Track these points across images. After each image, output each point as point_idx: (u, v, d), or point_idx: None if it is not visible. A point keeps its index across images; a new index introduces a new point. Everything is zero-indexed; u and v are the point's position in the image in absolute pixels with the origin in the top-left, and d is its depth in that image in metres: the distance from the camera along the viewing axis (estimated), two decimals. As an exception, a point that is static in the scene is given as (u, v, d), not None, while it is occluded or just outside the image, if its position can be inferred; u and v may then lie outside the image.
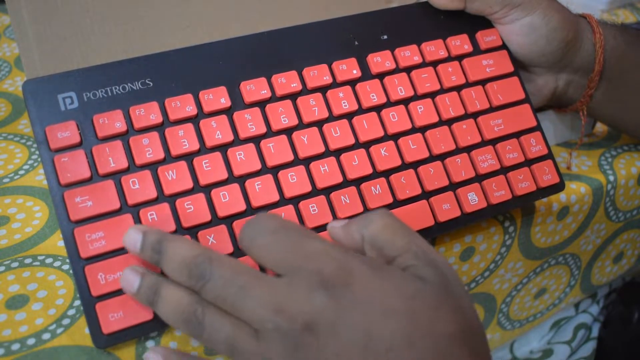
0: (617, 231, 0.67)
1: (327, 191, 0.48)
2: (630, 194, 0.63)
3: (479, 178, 0.52)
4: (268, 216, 0.38)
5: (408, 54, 0.53)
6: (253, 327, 0.36)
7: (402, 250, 0.38)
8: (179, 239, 0.39)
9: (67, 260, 0.48)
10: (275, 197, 0.46)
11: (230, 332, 0.36)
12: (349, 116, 0.50)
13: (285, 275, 0.36)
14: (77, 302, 0.45)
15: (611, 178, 0.61)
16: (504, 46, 0.56)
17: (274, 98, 0.49)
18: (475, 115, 0.54)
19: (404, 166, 0.50)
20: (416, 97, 0.52)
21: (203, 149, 0.46)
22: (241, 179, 0.46)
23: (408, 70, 0.53)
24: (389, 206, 0.49)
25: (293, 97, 0.49)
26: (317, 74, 0.50)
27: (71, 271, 0.46)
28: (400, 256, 0.38)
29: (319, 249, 0.36)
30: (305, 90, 0.50)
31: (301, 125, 0.49)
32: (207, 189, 0.45)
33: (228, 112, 0.47)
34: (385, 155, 0.50)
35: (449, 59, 0.55)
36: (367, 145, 0.50)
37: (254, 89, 0.48)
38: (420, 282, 0.36)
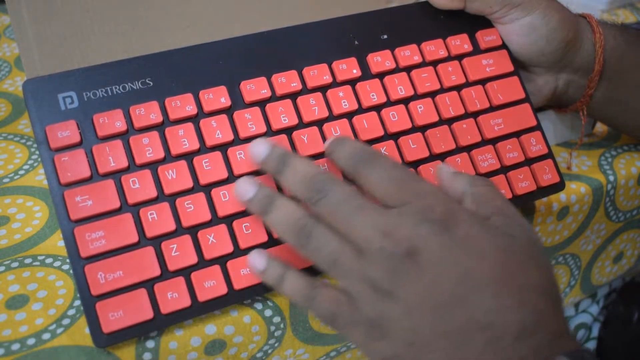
0: (617, 231, 0.67)
1: (327, 191, 0.48)
2: (630, 194, 0.63)
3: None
4: (382, 155, 0.42)
5: (408, 54, 0.53)
6: (358, 246, 0.38)
7: (497, 210, 0.41)
8: (302, 157, 0.42)
9: (67, 260, 0.48)
10: (276, 197, 0.46)
11: (335, 247, 0.39)
12: (349, 116, 0.50)
13: (395, 207, 0.39)
14: (77, 302, 0.45)
15: (611, 178, 0.61)
16: (503, 46, 0.56)
17: (274, 97, 0.49)
18: (475, 114, 0.54)
19: (404, 165, 0.50)
20: (416, 96, 0.52)
21: (203, 149, 0.46)
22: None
23: (408, 69, 0.53)
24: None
25: (293, 96, 0.49)
26: (317, 74, 0.50)
27: (71, 271, 0.46)
28: (495, 215, 0.40)
29: (429, 190, 0.40)
30: (305, 90, 0.50)
31: (301, 125, 0.49)
32: (207, 189, 0.45)
33: (228, 111, 0.47)
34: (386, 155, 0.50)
35: (449, 58, 0.55)
36: (367, 144, 0.50)
37: (254, 88, 0.48)
38: (512, 238, 0.39)
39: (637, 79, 0.58)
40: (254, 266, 0.42)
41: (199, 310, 0.43)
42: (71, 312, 0.44)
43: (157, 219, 0.43)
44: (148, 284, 0.42)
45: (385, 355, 0.38)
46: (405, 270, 0.37)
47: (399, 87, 0.52)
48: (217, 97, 0.47)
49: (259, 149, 0.42)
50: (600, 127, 0.69)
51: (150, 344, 0.43)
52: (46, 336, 0.43)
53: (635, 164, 0.63)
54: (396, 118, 0.51)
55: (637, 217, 0.67)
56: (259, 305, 0.46)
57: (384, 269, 0.37)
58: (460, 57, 0.55)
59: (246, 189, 0.42)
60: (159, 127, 0.45)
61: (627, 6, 0.94)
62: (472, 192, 0.42)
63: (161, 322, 0.42)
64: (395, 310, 0.37)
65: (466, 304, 0.37)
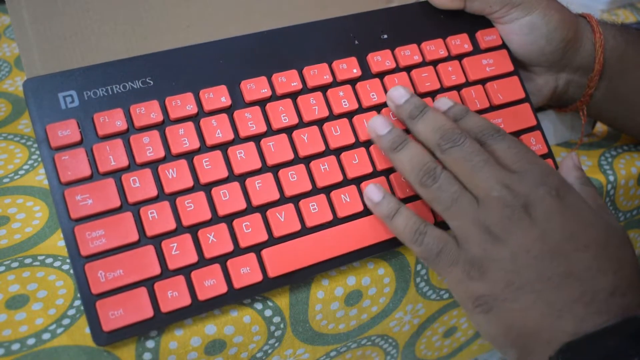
0: (617, 231, 0.66)
1: (327, 190, 0.48)
2: (630, 194, 0.63)
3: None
4: (506, 133, 0.46)
5: (408, 53, 0.53)
6: (477, 194, 0.43)
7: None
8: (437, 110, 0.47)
9: (67, 260, 0.48)
10: (276, 196, 0.46)
11: (458, 191, 0.44)
12: (349, 115, 0.50)
13: (516, 172, 0.44)
14: (77, 302, 0.45)
15: (611, 178, 0.61)
16: (503, 45, 0.56)
17: (274, 97, 0.49)
18: (475, 114, 0.54)
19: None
20: (416, 95, 0.52)
21: (203, 148, 0.46)
22: (241, 178, 0.46)
23: (408, 69, 0.53)
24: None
25: (293, 96, 0.49)
26: (317, 73, 0.50)
27: (71, 271, 0.46)
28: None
29: (547, 165, 0.45)
30: (306, 89, 0.50)
31: (301, 124, 0.49)
32: (208, 188, 0.45)
33: (228, 110, 0.47)
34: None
35: (449, 58, 0.55)
36: (367, 144, 0.50)
37: (255, 87, 0.48)
38: (611, 221, 0.44)
39: (637, 79, 0.58)
40: (370, 197, 0.47)
41: (199, 309, 0.43)
42: (71, 312, 0.44)
43: (158, 218, 0.43)
44: (148, 283, 0.42)
45: (480, 293, 0.42)
46: (518, 219, 0.42)
47: (399, 86, 0.52)
48: (217, 96, 0.47)
49: (400, 93, 0.48)
50: (600, 127, 0.69)
51: (150, 344, 0.43)
52: (46, 336, 0.42)
53: (635, 164, 0.63)
54: (396, 118, 0.51)
55: (637, 217, 0.67)
56: (259, 305, 0.46)
57: (499, 215, 0.42)
58: (460, 57, 0.55)
59: (380, 125, 0.47)
60: (160, 126, 0.46)
61: (627, 6, 0.94)
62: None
63: (161, 321, 0.42)
64: (501, 253, 0.42)
65: (569, 259, 0.41)
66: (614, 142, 0.67)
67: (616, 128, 0.65)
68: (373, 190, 0.47)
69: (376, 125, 0.47)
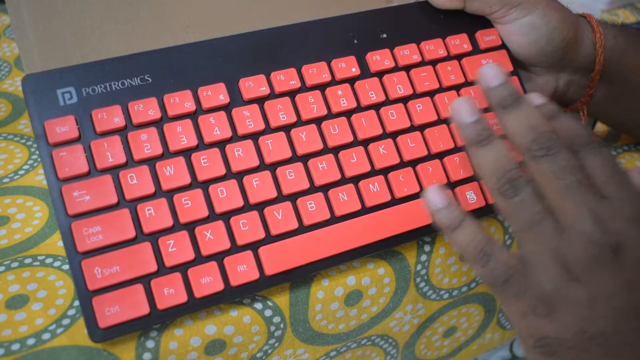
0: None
1: (325, 188, 0.48)
2: (630, 194, 0.63)
3: (478, 177, 0.52)
4: (602, 145, 0.40)
5: (407, 53, 0.53)
6: (563, 220, 0.38)
7: None
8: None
9: (67, 260, 0.48)
10: (273, 194, 0.46)
11: (540, 212, 0.38)
12: (347, 114, 0.50)
13: (609, 198, 0.38)
14: (77, 302, 0.45)
15: (612, 178, 0.61)
16: (503, 46, 0.56)
17: (272, 95, 0.49)
18: (474, 114, 0.54)
19: (403, 164, 0.50)
20: (415, 95, 0.52)
21: (201, 145, 0.46)
22: (239, 175, 0.46)
23: (407, 68, 0.53)
24: (387, 204, 0.49)
25: (292, 94, 0.49)
26: (316, 72, 0.50)
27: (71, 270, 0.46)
28: None
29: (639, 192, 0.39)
30: (304, 88, 0.50)
31: (299, 123, 0.49)
32: (205, 185, 0.45)
33: (227, 108, 0.47)
34: (384, 153, 0.50)
35: (448, 58, 0.55)
36: (365, 143, 0.50)
37: (253, 85, 0.48)
38: None
39: (637, 79, 0.58)
40: (432, 202, 0.41)
41: (195, 306, 0.43)
42: (71, 312, 0.44)
43: (155, 215, 0.43)
44: (145, 280, 0.42)
45: (546, 333, 0.38)
46: (604, 261, 0.37)
47: (398, 86, 0.52)
48: (215, 94, 0.47)
49: (494, 73, 0.41)
50: (600, 127, 0.69)
51: (150, 344, 0.43)
52: (46, 336, 0.42)
53: (636, 164, 0.63)
54: (395, 117, 0.51)
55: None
56: (259, 305, 0.46)
57: (584, 253, 0.37)
58: (459, 57, 0.55)
59: (467, 111, 0.41)
60: (157, 124, 0.46)
61: (627, 6, 0.94)
62: None
63: (157, 318, 0.42)
64: (578, 295, 0.37)
65: None
66: (614, 142, 0.67)
67: (616, 128, 0.65)
68: (435, 195, 0.41)
69: (461, 110, 0.41)
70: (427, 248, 0.52)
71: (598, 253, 0.37)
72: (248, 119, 0.47)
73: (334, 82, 0.51)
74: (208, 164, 0.45)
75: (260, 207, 0.46)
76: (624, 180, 0.39)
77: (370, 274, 0.50)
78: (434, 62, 0.54)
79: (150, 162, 0.45)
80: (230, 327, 0.45)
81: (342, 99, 0.50)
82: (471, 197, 0.51)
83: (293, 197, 0.47)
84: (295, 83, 0.49)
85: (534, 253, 0.39)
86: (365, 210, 0.48)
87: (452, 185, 0.51)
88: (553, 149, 0.38)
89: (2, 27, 0.82)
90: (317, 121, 0.49)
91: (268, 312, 0.46)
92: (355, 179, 0.49)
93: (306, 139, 0.48)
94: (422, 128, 0.52)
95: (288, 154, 0.47)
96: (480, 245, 0.40)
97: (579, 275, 0.37)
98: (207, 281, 0.43)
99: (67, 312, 0.44)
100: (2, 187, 0.55)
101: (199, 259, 0.44)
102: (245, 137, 0.47)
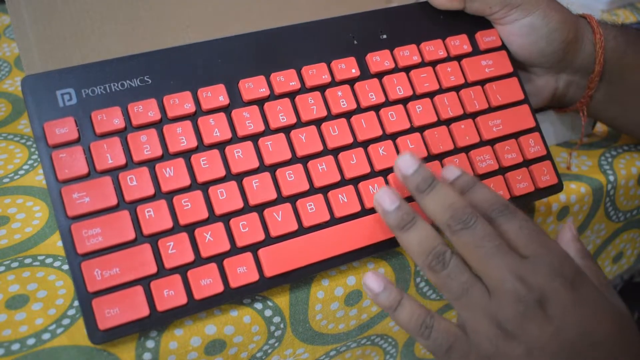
0: (617, 231, 0.67)
1: (325, 190, 0.48)
2: (630, 194, 0.63)
3: (477, 178, 0.52)
4: (517, 209, 0.43)
5: (407, 54, 0.53)
6: (489, 284, 0.41)
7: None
8: (447, 184, 0.44)
9: (67, 262, 0.48)
10: (273, 195, 0.46)
11: (468, 280, 0.41)
12: (347, 115, 0.50)
13: (528, 257, 0.41)
14: (77, 302, 0.45)
15: (611, 178, 0.61)
16: (503, 47, 0.56)
17: (272, 96, 0.49)
18: (473, 115, 0.54)
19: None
20: (415, 96, 0.52)
21: (201, 147, 0.46)
22: (238, 177, 0.46)
23: (407, 69, 0.53)
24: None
25: (292, 95, 0.49)
26: (316, 73, 0.50)
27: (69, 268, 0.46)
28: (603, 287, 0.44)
29: (558, 247, 0.42)
30: (304, 89, 0.50)
31: (299, 124, 0.49)
32: (205, 187, 0.45)
33: (226, 110, 0.47)
34: (384, 155, 0.50)
35: (448, 59, 0.54)
36: (365, 144, 0.50)
37: (253, 87, 0.48)
38: (622, 309, 0.43)
39: (637, 80, 0.58)
40: (370, 288, 0.44)
41: (195, 308, 0.43)
42: (71, 312, 0.44)
43: (154, 217, 0.43)
44: (144, 282, 0.42)
45: None
46: (533, 315, 0.39)
47: (398, 87, 0.52)
48: (215, 95, 0.47)
49: (407, 162, 0.44)
50: (600, 127, 0.69)
51: (150, 344, 0.43)
52: (46, 336, 0.43)
53: (635, 164, 0.63)
54: (394, 118, 0.51)
55: (637, 217, 0.67)
56: (258, 305, 0.46)
57: (513, 310, 0.39)
58: (459, 58, 0.55)
59: (389, 198, 0.44)
60: (157, 125, 0.45)
61: (627, 6, 0.94)
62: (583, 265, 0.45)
63: (157, 320, 0.42)
64: (515, 351, 0.40)
65: (584, 357, 0.39)
66: (614, 142, 0.67)
67: (616, 128, 0.65)
68: (372, 281, 0.44)
69: (384, 199, 0.44)
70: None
71: (525, 309, 0.39)
72: (248, 120, 0.47)
73: (333, 83, 0.51)
74: (208, 165, 0.45)
75: (260, 208, 0.46)
76: (542, 239, 0.42)
77: (371, 274, 0.50)
78: (433, 63, 0.54)
79: (150, 163, 0.45)
80: (230, 327, 0.45)
81: (341, 100, 0.50)
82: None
83: (293, 199, 0.47)
84: (295, 84, 0.49)
85: (469, 319, 0.41)
86: (365, 212, 0.48)
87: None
88: (470, 222, 0.41)
89: (2, 27, 0.82)
90: (317, 122, 0.49)
91: (268, 312, 0.46)
92: (355, 181, 0.49)
93: (306, 140, 0.48)
94: (421, 129, 0.52)
95: (288, 155, 0.47)
96: (421, 320, 0.43)
97: (512, 332, 0.40)
98: (206, 283, 0.43)
99: (67, 312, 0.44)
100: (2, 187, 0.55)
101: (199, 260, 0.44)
102: (245, 138, 0.47)
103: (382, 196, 0.44)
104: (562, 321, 0.39)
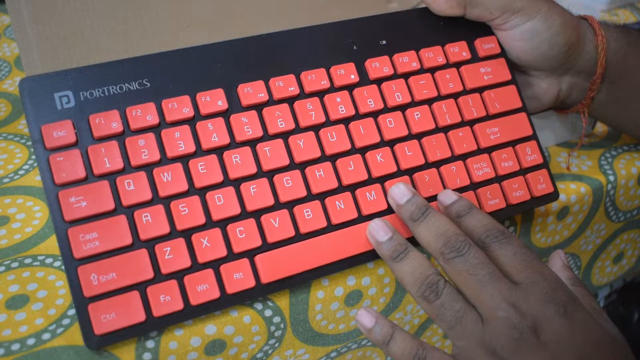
0: (617, 231, 0.67)
1: (322, 196, 0.48)
2: (630, 194, 0.63)
3: (474, 186, 0.52)
4: (512, 235, 0.44)
5: (406, 60, 0.53)
6: (482, 312, 0.41)
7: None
8: (440, 213, 0.45)
9: (63, 267, 0.48)
10: (270, 201, 0.46)
11: (462, 309, 0.41)
12: (345, 121, 0.50)
13: (521, 284, 0.41)
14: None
15: (611, 178, 0.61)
16: (502, 54, 0.56)
17: (271, 101, 0.49)
18: (471, 122, 0.54)
19: (400, 172, 0.50)
20: (413, 103, 0.52)
21: (199, 152, 0.46)
22: (236, 182, 0.46)
23: (406, 76, 0.53)
24: (383, 213, 0.49)
25: (290, 100, 0.49)
26: (314, 78, 0.50)
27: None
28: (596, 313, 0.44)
29: (551, 273, 0.43)
30: (303, 94, 0.50)
31: (298, 130, 0.49)
32: (202, 192, 0.45)
33: (225, 114, 0.47)
34: (381, 162, 0.50)
35: (447, 65, 0.54)
36: (363, 150, 0.50)
37: (252, 91, 0.48)
38: (616, 336, 0.43)
39: (638, 80, 0.58)
40: (362, 323, 0.45)
41: (191, 313, 0.43)
42: (71, 312, 0.44)
43: (152, 222, 0.43)
44: (141, 287, 0.42)
45: None
46: (527, 342, 0.40)
47: (397, 93, 0.52)
48: (214, 99, 0.47)
49: (401, 192, 0.46)
50: (600, 127, 0.69)
51: (150, 344, 0.43)
52: (46, 336, 0.43)
53: (635, 164, 0.63)
54: (392, 125, 0.51)
55: (637, 217, 0.67)
56: (259, 306, 0.46)
57: (506, 338, 0.40)
58: (458, 65, 0.55)
59: (382, 230, 0.45)
60: (155, 129, 0.45)
61: (627, 6, 0.93)
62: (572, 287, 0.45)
63: (153, 325, 0.42)
64: None
65: None
66: (614, 142, 0.67)
67: (616, 128, 0.65)
68: (364, 316, 0.45)
69: (377, 231, 0.46)
70: (426, 251, 0.52)
71: (519, 336, 0.40)
72: (246, 125, 0.47)
73: (332, 89, 0.50)
74: (205, 170, 0.45)
75: (257, 214, 0.46)
76: (535, 265, 0.42)
77: (370, 274, 0.50)
78: (432, 70, 0.54)
79: (148, 168, 0.44)
80: (231, 327, 0.45)
81: (340, 106, 0.50)
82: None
83: (290, 205, 0.47)
84: (294, 89, 0.49)
85: (463, 348, 0.41)
86: (362, 219, 0.48)
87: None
88: (463, 250, 0.42)
89: (2, 27, 0.82)
90: (315, 128, 0.49)
91: (268, 312, 0.47)
92: (352, 187, 0.49)
93: (304, 146, 0.48)
94: (419, 136, 0.52)
95: (286, 161, 0.47)
96: (413, 352, 0.43)
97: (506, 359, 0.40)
98: (203, 289, 0.43)
99: (67, 312, 0.44)
100: (2, 187, 0.55)
101: (196, 266, 0.44)
102: (243, 143, 0.47)
103: (374, 228, 0.46)
104: (557, 347, 0.40)
